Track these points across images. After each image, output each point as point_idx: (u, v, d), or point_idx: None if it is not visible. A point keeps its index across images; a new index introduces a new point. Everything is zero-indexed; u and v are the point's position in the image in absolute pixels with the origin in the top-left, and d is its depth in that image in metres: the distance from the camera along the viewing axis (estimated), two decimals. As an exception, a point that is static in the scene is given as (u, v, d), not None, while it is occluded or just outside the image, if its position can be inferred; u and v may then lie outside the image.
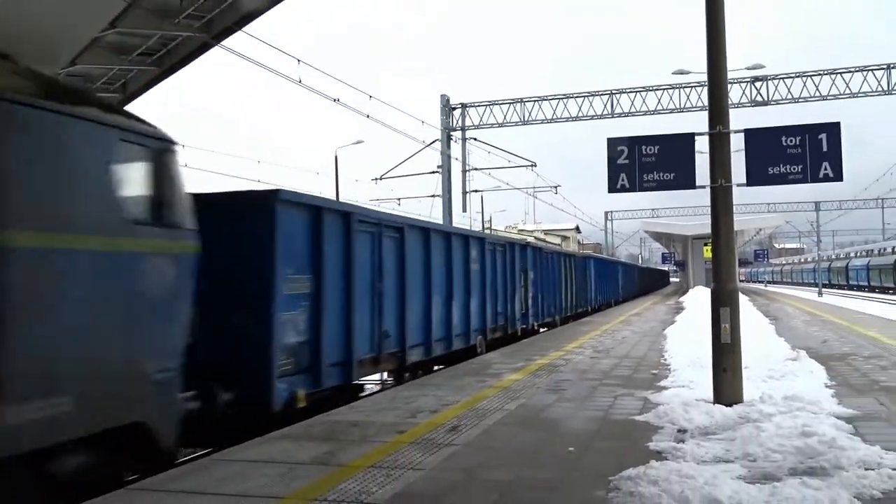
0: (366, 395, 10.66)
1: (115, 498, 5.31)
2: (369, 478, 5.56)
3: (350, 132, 69.22)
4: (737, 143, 8.42)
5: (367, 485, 5.38)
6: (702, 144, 8.58)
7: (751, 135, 8.41)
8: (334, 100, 18.52)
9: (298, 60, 16.12)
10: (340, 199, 26.92)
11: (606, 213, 76.49)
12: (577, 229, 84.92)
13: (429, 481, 5.49)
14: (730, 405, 7.79)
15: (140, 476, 6.00)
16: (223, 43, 15.18)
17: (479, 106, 31.65)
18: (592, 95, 30.89)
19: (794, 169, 8.15)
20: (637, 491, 5.00)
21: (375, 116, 20.97)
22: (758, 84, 29.13)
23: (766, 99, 29.07)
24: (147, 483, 5.60)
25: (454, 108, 31.38)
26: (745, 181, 8.46)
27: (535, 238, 41.22)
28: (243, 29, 14.81)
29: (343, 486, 5.36)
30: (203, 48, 16.23)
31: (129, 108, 20.11)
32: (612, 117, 30.58)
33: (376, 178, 31.36)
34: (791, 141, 8.18)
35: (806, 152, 8.09)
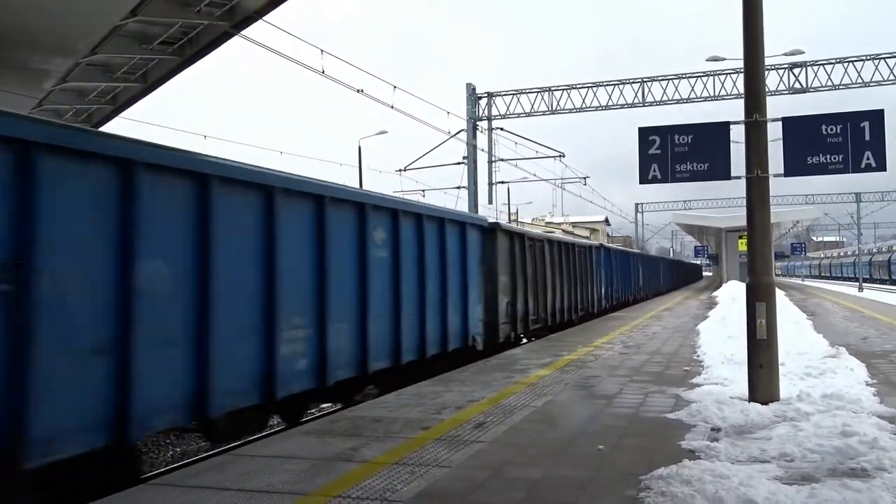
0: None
1: (136, 492, 5.28)
2: (394, 475, 5.46)
3: (374, 123, 69.36)
4: (774, 132, 8.19)
5: (392, 482, 5.28)
6: (737, 134, 8.35)
7: (789, 123, 8.15)
8: (358, 90, 18.39)
9: (322, 51, 16.02)
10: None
11: (637, 204, 75.60)
12: (607, 221, 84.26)
13: (454, 479, 5.37)
14: (766, 403, 7.58)
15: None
16: (244, 32, 15.15)
17: (505, 95, 31.32)
18: (623, 83, 30.40)
19: (835, 158, 7.88)
20: (669, 491, 4.85)
21: (400, 107, 20.78)
22: (796, 71, 28.44)
23: (804, 86, 28.36)
24: (168, 479, 5.55)
25: (480, 98, 31.08)
26: (782, 171, 8.21)
27: (563, 231, 40.67)
28: (264, 18, 14.76)
29: (367, 482, 5.27)
30: (224, 37, 16.29)
31: (151, 97, 20.29)
32: (644, 106, 30.09)
33: (400, 170, 31.23)
34: (831, 129, 7.91)
35: (847, 141, 7.82)
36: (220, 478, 5.48)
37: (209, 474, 5.61)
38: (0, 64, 15.45)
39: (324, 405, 10.75)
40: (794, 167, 8.12)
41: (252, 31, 15.94)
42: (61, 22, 13.98)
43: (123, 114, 21.91)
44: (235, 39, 16.17)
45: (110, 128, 22.66)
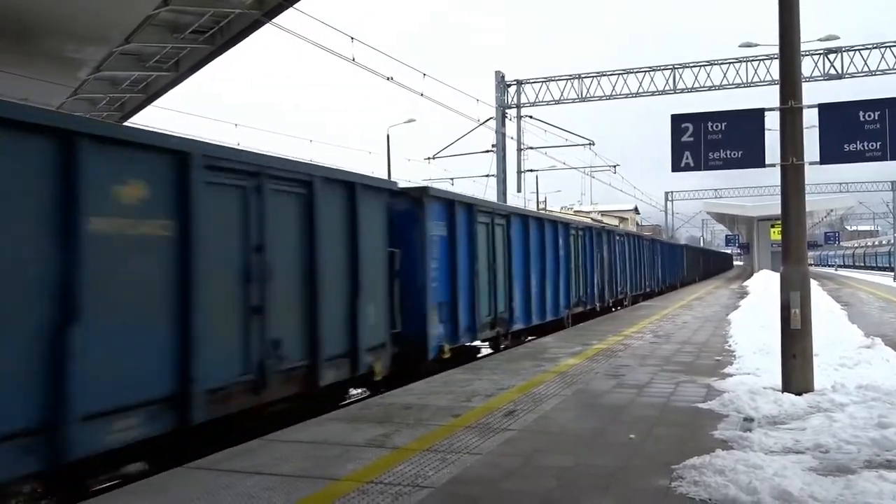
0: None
1: (172, 475, 5.37)
2: (425, 461, 5.50)
3: (403, 111, 69.18)
4: (808, 119, 8.06)
5: (423, 468, 5.31)
6: (771, 121, 8.23)
7: (825, 110, 8.02)
8: (388, 78, 18.41)
9: (352, 38, 16.03)
10: (392, 179, 26.85)
11: (667, 193, 74.81)
12: (636, 210, 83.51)
13: (485, 466, 5.40)
14: (799, 394, 7.51)
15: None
16: (275, 20, 15.19)
17: (534, 82, 31.14)
18: (654, 70, 30.06)
19: (873, 146, 7.75)
20: (702, 480, 4.82)
21: (429, 94, 20.75)
22: (831, 56, 27.88)
23: (840, 72, 27.80)
24: (203, 462, 5.63)
25: (509, 85, 30.94)
26: (817, 159, 8.08)
27: (592, 220, 40.30)
28: (295, 6, 14.79)
29: (398, 468, 5.31)
30: (255, 25, 16.37)
31: (180, 87, 20.45)
32: (675, 93, 29.74)
33: (429, 158, 31.23)
34: (869, 116, 7.77)
35: (886, 128, 7.68)
36: (253, 462, 5.56)
37: (242, 458, 5.69)
38: (36, 53, 15.71)
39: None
40: (831, 155, 8.00)
41: (283, 18, 15.99)
42: (96, 11, 14.18)
43: (155, 102, 22.16)
44: (266, 27, 16.25)
45: (142, 117, 22.97)
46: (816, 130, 8.02)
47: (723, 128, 8.29)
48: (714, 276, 58.37)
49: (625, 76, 30.37)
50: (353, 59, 16.09)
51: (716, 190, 72.18)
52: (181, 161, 6.32)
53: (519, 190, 31.27)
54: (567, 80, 30.83)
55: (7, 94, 13.05)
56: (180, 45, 17.56)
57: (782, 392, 7.64)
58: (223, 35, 17.16)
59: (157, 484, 5.17)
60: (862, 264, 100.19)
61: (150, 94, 21.49)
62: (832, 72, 27.89)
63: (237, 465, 5.48)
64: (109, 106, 22.31)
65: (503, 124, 30.30)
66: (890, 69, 27.37)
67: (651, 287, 30.47)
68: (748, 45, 28.24)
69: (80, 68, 17.64)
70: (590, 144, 32.79)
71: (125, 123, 22.21)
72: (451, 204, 11.40)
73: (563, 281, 17.02)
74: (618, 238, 23.99)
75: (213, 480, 5.12)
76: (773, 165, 8.14)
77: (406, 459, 5.54)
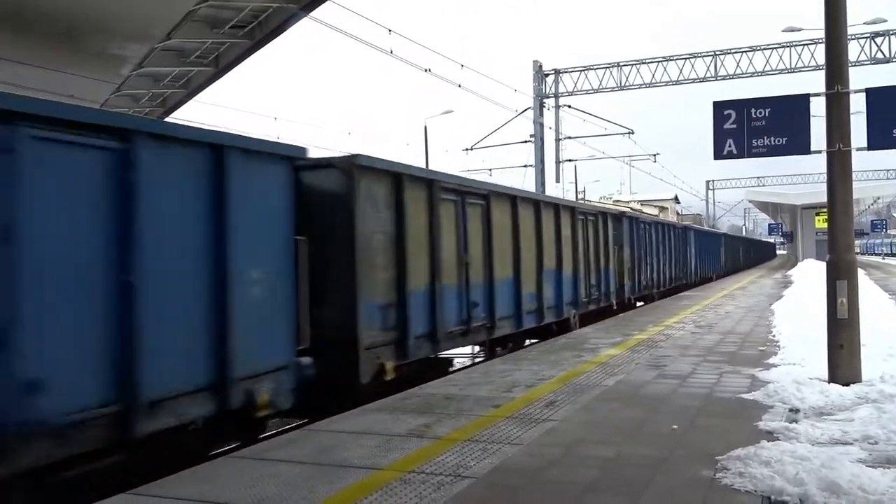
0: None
1: (217, 465, 5.47)
2: (466, 451, 5.51)
3: (441, 102, 69.04)
4: (855, 104, 7.87)
5: (464, 458, 5.33)
6: (817, 107, 8.05)
7: (873, 94, 7.82)
8: (425, 70, 18.42)
9: (389, 31, 16.06)
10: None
11: (708, 181, 73.83)
12: (676, 199, 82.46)
13: (527, 456, 5.40)
14: (846, 384, 7.37)
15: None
16: (312, 14, 15.30)
17: (573, 71, 30.91)
18: (694, 57, 29.61)
19: (923, 130, 7.53)
20: (747, 472, 4.76)
21: (467, 85, 20.68)
22: (878, 40, 27.16)
23: (887, 56, 27.08)
24: (246, 452, 5.73)
25: (547, 75, 30.76)
26: (864, 145, 7.90)
27: (632, 209, 39.82)
28: (332, -1, 14.88)
29: (440, 458, 5.34)
30: (293, 19, 16.51)
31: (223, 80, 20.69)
32: (716, 80, 29.26)
33: (467, 149, 31.22)
34: (919, 100, 7.55)
35: (937, 112, 7.46)
36: (296, 452, 5.63)
37: (286, 449, 5.77)
38: (82, 51, 16.06)
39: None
40: (879, 140, 7.82)
41: (320, 12, 16.11)
42: (138, 9, 14.47)
43: (196, 97, 22.52)
44: (304, 21, 16.39)
45: (183, 112, 23.33)
46: (863, 116, 7.84)
47: (766, 114, 8.15)
48: (757, 266, 57.42)
49: (665, 63, 29.99)
50: (391, 52, 16.11)
51: (758, 178, 71.02)
52: None
53: (557, 180, 31.14)
54: (605, 68, 30.53)
55: (54, 91, 13.36)
56: (220, 40, 17.83)
57: (829, 382, 7.51)
58: (262, 29, 17.37)
59: (202, 473, 5.27)
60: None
61: (191, 89, 21.84)
62: (879, 55, 27.18)
63: (281, 455, 5.56)
64: (151, 102, 22.73)
65: (541, 114, 30.15)
66: (941, 51, 26.59)
67: (689, 278, 29.21)
68: (792, 30, 27.65)
69: (123, 65, 17.99)
70: (629, 133, 32.45)
71: (166, 119, 22.59)
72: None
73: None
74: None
75: (259, 470, 5.20)
76: (819, 152, 7.98)
77: (447, 449, 5.57)
